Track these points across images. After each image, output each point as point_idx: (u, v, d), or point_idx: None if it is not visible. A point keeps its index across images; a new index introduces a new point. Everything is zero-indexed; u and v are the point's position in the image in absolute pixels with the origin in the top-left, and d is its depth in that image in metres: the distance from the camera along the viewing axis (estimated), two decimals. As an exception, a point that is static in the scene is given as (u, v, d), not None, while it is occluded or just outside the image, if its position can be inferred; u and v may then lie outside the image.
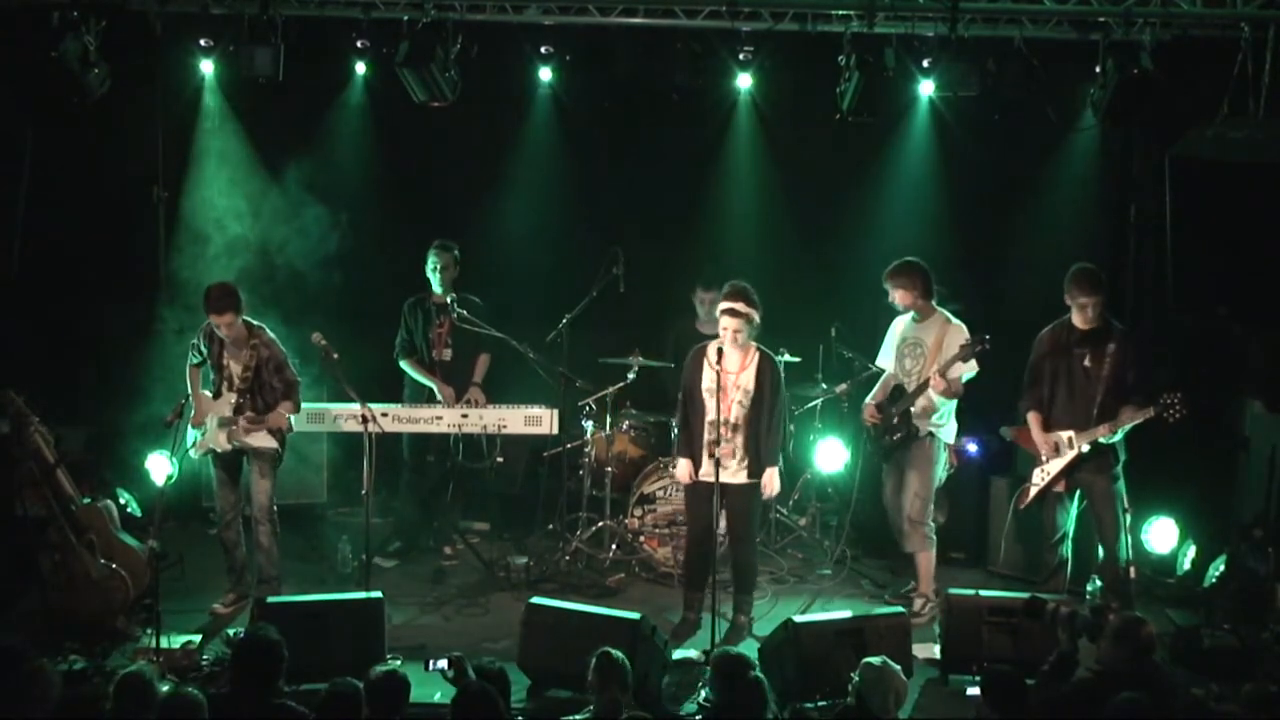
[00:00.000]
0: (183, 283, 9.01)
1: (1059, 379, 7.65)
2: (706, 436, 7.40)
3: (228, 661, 6.70)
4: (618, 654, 5.77)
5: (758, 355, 7.43)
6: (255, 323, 7.79)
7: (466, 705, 5.41)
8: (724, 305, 7.33)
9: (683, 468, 7.57)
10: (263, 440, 7.73)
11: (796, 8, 8.47)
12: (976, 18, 8.39)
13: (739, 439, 7.39)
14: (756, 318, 7.31)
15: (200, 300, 7.70)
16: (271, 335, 7.80)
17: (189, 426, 7.76)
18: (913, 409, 7.86)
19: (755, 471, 7.41)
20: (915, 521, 7.92)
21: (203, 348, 7.80)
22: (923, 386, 7.79)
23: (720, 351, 7.30)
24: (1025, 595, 6.98)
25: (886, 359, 8.16)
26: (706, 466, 7.37)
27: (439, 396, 8.58)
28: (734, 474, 7.40)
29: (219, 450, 7.74)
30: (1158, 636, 5.96)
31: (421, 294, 8.74)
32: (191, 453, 7.78)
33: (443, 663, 5.92)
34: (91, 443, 9.03)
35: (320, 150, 9.49)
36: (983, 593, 7.18)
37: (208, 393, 7.80)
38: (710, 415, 7.38)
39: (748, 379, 7.37)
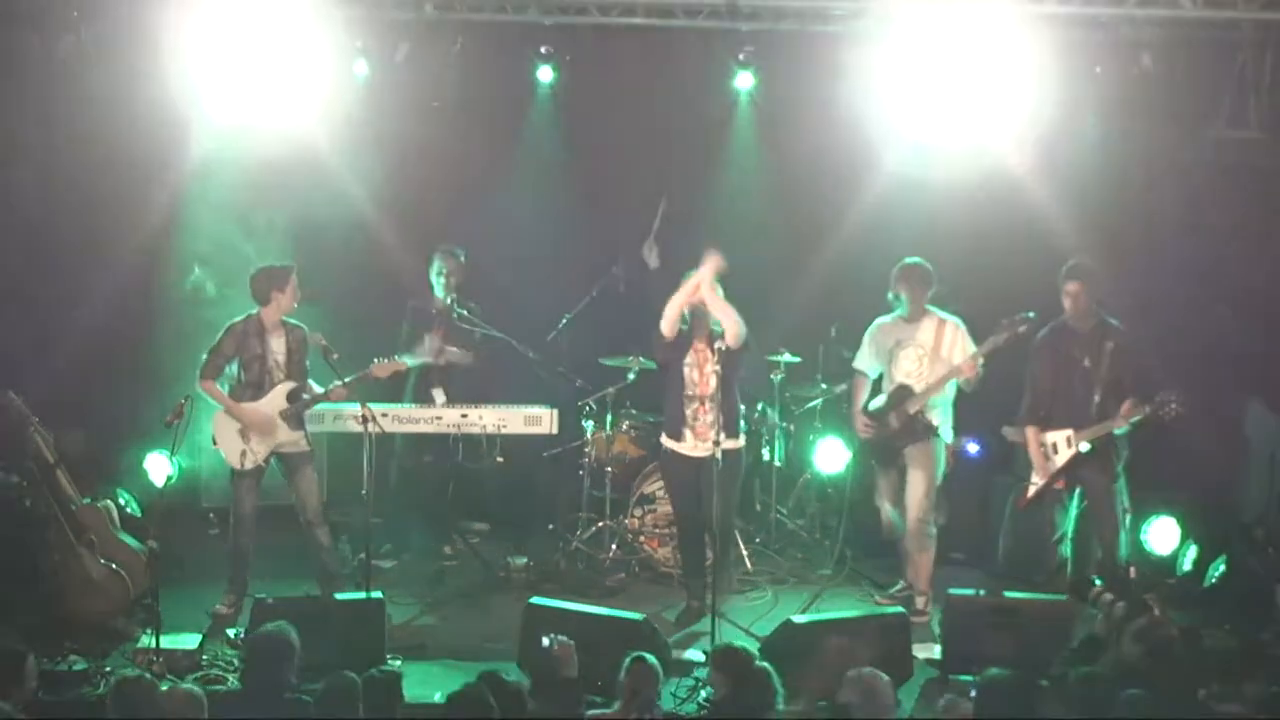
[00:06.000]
0: (182, 283, 9.01)
1: (1059, 379, 7.66)
2: (685, 410, 7.55)
3: (239, 659, 6.76)
4: (651, 660, 5.81)
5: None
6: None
7: (461, 707, 5.39)
8: None
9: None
10: (301, 441, 7.70)
11: (796, 8, 8.47)
12: (976, 17, 8.39)
13: (715, 409, 7.40)
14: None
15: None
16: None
17: (238, 433, 7.63)
18: (924, 408, 7.85)
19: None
20: (921, 521, 7.91)
21: (236, 357, 7.62)
22: (935, 385, 7.76)
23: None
24: (1026, 595, 7.01)
25: (866, 361, 8.16)
26: (683, 442, 7.53)
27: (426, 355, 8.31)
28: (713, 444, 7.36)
29: (281, 452, 7.66)
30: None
31: (422, 298, 8.72)
32: (247, 464, 7.61)
33: (546, 640, 6.09)
34: (91, 443, 9.02)
35: (320, 150, 9.46)
36: (982, 593, 7.18)
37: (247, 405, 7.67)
38: (689, 389, 7.49)
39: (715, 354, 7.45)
